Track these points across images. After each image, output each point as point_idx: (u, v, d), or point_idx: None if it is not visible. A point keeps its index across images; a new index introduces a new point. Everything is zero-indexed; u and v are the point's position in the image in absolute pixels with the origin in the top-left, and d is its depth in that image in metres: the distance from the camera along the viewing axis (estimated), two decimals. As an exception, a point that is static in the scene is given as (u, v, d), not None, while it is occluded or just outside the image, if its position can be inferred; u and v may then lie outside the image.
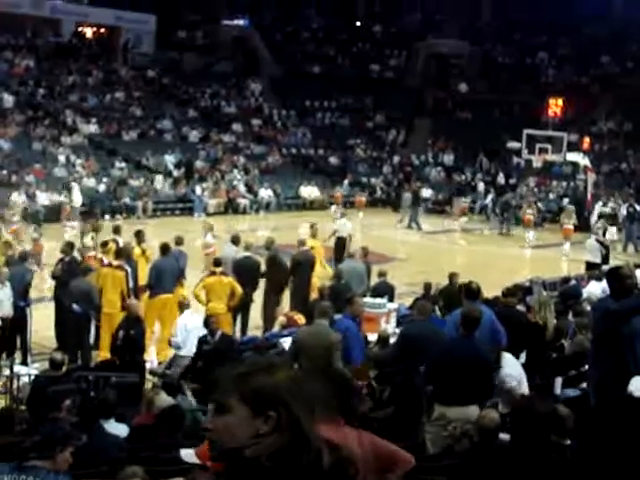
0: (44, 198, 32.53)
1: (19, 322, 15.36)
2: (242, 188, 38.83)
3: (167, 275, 16.20)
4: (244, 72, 50.82)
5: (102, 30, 49.91)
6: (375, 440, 4.82)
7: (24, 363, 14.96)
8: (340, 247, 23.74)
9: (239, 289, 15.99)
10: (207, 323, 13.10)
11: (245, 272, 16.80)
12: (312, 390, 3.06)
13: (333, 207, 35.82)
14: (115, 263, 15.88)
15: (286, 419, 2.78)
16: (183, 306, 14.68)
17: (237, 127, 45.88)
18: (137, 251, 17.42)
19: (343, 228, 25.01)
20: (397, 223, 35.60)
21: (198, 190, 37.22)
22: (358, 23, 57.09)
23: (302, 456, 2.76)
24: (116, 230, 18.85)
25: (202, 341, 12.79)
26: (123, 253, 16.32)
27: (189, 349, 13.54)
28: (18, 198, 31.88)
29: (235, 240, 18.57)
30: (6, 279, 15.00)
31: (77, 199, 32.37)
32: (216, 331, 12.90)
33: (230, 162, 41.54)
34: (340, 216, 27.30)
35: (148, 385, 12.49)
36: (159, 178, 37.59)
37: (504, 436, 6.36)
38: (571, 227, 31.56)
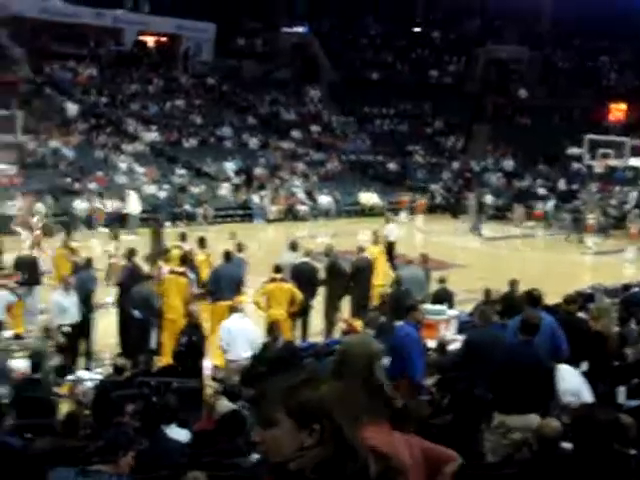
0: (107, 205, 32.89)
1: (83, 328, 15.60)
2: (301, 195, 38.94)
3: (228, 282, 16.31)
4: (303, 79, 50.99)
5: (163, 39, 50.42)
6: (424, 444, 4.82)
7: (87, 368, 15.18)
8: (389, 252, 23.82)
9: (299, 295, 16.05)
10: (271, 330, 13.15)
11: (303, 278, 16.87)
12: (356, 399, 3.08)
13: (402, 213, 35.95)
14: (178, 270, 16.03)
15: (330, 431, 2.82)
16: (233, 309, 14.57)
17: (296, 134, 46.02)
18: (200, 257, 17.58)
19: (391, 233, 25.17)
20: (463, 229, 35.49)
21: (258, 197, 37.40)
22: (417, 29, 56.97)
23: (347, 466, 2.80)
24: (182, 237, 19.05)
25: (264, 347, 12.85)
26: (186, 260, 16.47)
27: (236, 353, 13.61)
28: (81, 205, 32.34)
29: (293, 246, 18.67)
30: (74, 287, 15.24)
31: (135, 207, 32.59)
32: (279, 338, 12.96)
33: (289, 169, 41.68)
34: (391, 221, 27.38)
35: (209, 391, 12.55)
36: (226, 185, 37.85)
37: (566, 445, 6.31)
38: (637, 232, 31.22)
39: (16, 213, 28.33)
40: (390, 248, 24.13)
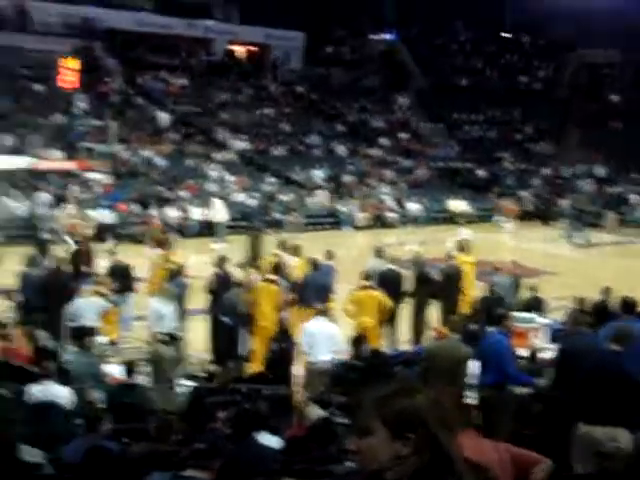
0: (197, 213, 33.34)
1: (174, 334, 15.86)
2: (390, 202, 38.92)
3: (316, 289, 16.42)
4: (391, 86, 50.98)
5: (252, 48, 50.93)
6: (512, 449, 4.83)
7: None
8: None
9: (388, 302, 16.07)
10: (359, 338, 13.20)
11: (389, 284, 16.87)
12: (449, 407, 3.08)
13: (508, 224, 35.87)
14: (270, 277, 16.18)
15: (426, 441, 2.83)
16: (318, 313, 14.60)
17: (385, 141, 46.02)
18: (294, 265, 17.74)
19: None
20: (554, 236, 35.13)
21: (346, 204, 37.50)
22: (506, 34, 56.54)
23: (444, 477, 2.81)
24: (282, 245, 19.20)
25: (353, 356, 12.91)
26: (279, 268, 16.61)
27: (317, 355, 13.70)
28: (172, 213, 32.83)
29: (379, 253, 18.71)
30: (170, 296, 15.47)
31: (222, 215, 32.84)
32: (367, 346, 13.00)
33: (378, 176, 41.69)
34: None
35: (299, 397, 12.63)
36: (319, 192, 38.06)
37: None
38: None
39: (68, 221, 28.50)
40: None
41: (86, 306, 15.97)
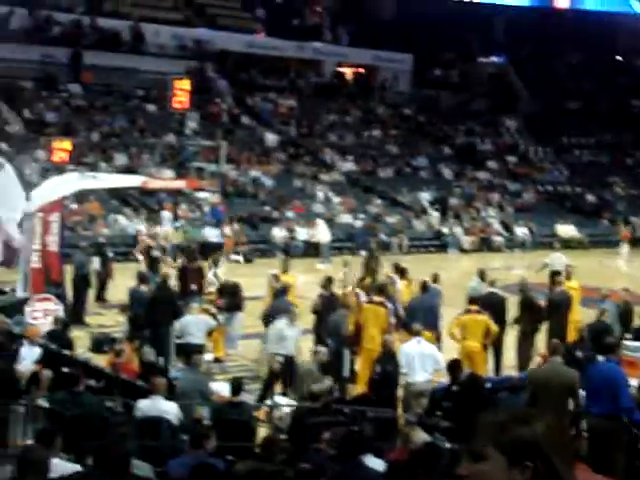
0: (303, 234, 33.55)
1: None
2: (497, 225, 38.59)
3: (425, 312, 16.36)
4: (499, 109, 50.59)
5: (360, 70, 51.13)
6: None
7: (284, 394, 15.51)
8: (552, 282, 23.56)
9: (494, 327, 15.91)
10: (455, 363, 13.05)
11: (491, 308, 16.68)
12: (564, 436, 3.01)
13: (624, 246, 35.38)
14: (377, 299, 16.18)
15: (543, 470, 2.78)
16: (416, 334, 14.68)
17: (492, 164, 45.69)
18: (400, 286, 17.74)
19: (557, 261, 24.41)
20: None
21: (453, 227, 37.32)
22: (618, 57, 55.61)
23: None
24: (396, 268, 19.17)
25: (450, 380, 12.79)
26: (383, 290, 16.59)
27: (414, 377, 13.65)
28: (279, 233, 33.12)
29: (482, 276, 18.57)
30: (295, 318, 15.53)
31: (324, 235, 32.86)
32: (464, 371, 12.86)
33: (485, 199, 41.40)
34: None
35: (404, 421, 12.59)
36: (434, 214, 37.99)
37: None
38: None
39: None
40: (553, 277, 23.73)
41: (194, 323, 16.23)
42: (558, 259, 24.84)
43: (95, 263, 22.15)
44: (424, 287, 17.08)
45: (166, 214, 31.53)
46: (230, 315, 17.91)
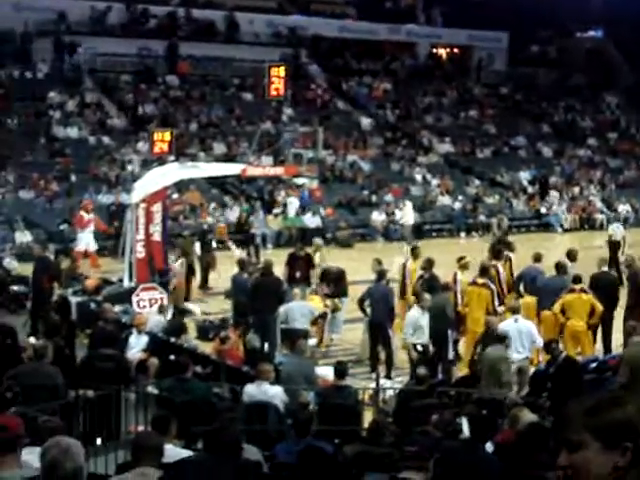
0: (400, 217, 33.48)
1: (383, 336, 16.05)
2: (598, 203, 37.94)
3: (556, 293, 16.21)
4: (599, 84, 49.65)
5: (455, 50, 50.71)
6: None
7: (388, 377, 15.56)
8: (613, 250, 23.99)
9: (599, 307, 15.66)
10: (549, 346, 12.91)
11: (601, 288, 16.43)
12: None
13: None
14: (479, 281, 16.08)
15: None
16: (513, 311, 14.89)
17: (592, 141, 44.93)
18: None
19: (617, 231, 25.23)
20: None
21: (554, 206, 36.83)
22: None
23: None
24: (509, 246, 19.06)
25: (547, 361, 12.67)
26: (486, 271, 16.45)
27: (512, 354, 13.70)
28: (378, 217, 33.11)
29: (571, 256, 18.18)
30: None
31: (409, 217, 32.75)
32: (560, 353, 12.73)
33: (586, 177, 40.75)
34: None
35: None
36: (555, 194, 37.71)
37: None
38: None
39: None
40: (614, 248, 24.16)
41: (298, 309, 16.38)
42: (617, 229, 25.53)
43: (197, 249, 22.52)
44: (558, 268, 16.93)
45: (293, 200, 32.12)
46: (334, 301, 17.95)
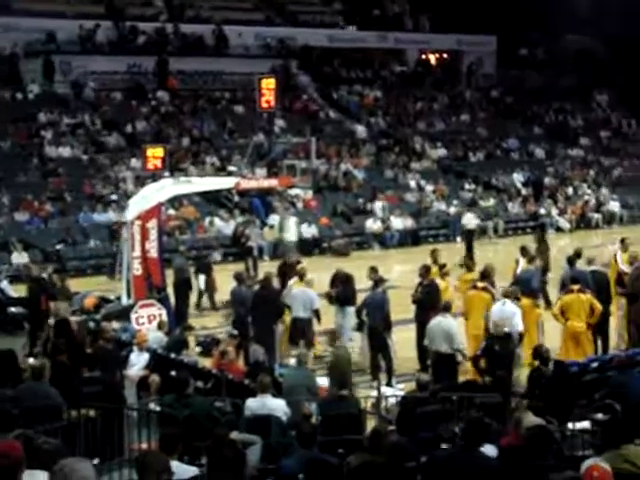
0: (398, 223, 33.51)
1: (381, 344, 16.03)
2: (593, 202, 38.00)
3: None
4: (589, 84, 49.75)
5: (444, 55, 50.77)
6: None
7: (389, 384, 15.53)
8: None
9: (598, 306, 15.68)
10: (539, 352, 12.86)
11: (594, 286, 16.41)
12: None
13: None
14: (480, 285, 16.10)
15: None
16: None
17: (585, 141, 45.02)
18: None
19: None
20: None
21: (548, 207, 36.87)
22: None
23: None
24: (523, 250, 19.08)
25: (536, 369, 12.65)
26: (487, 274, 16.47)
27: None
28: (373, 225, 33.11)
29: (578, 255, 18.24)
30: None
31: (292, 233, 31.14)
32: (550, 360, 12.72)
33: (579, 177, 40.82)
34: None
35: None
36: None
37: None
38: None
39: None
40: None
41: (299, 297, 16.65)
42: None
43: (200, 282, 22.42)
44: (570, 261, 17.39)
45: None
46: (342, 308, 17.94)
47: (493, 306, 15.11)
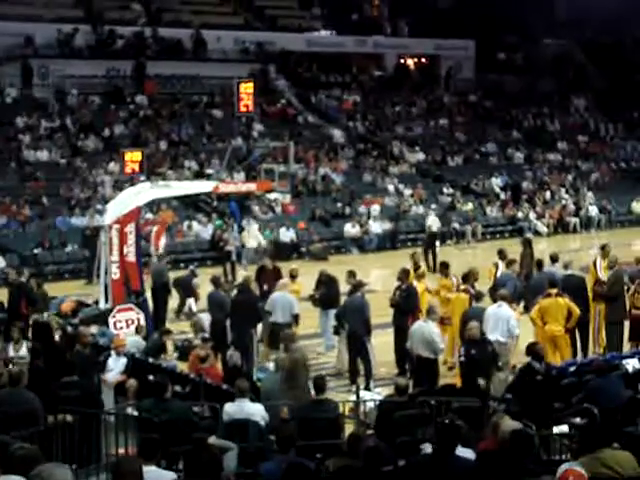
0: (377, 227, 33.55)
1: (360, 348, 16.02)
2: (571, 206, 38.15)
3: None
4: (567, 89, 50.00)
5: (423, 60, 50.92)
6: None
7: (367, 388, 15.52)
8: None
9: (576, 310, 15.72)
10: (533, 350, 12.88)
11: (570, 290, 16.46)
12: None
13: None
14: (462, 287, 16.18)
15: None
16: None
17: (562, 145, 45.21)
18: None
19: None
20: None
21: (526, 211, 37.00)
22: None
23: None
24: (500, 254, 19.15)
25: (528, 369, 12.66)
26: (469, 277, 16.55)
27: (488, 334, 14.24)
28: (351, 229, 33.13)
29: (554, 259, 18.38)
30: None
31: (253, 240, 31.05)
32: (542, 359, 12.74)
33: (557, 181, 40.98)
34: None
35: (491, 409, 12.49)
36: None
37: None
38: None
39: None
40: None
41: (279, 301, 16.62)
42: None
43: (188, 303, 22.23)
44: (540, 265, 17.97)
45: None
46: (326, 312, 17.94)
47: (488, 308, 15.22)
